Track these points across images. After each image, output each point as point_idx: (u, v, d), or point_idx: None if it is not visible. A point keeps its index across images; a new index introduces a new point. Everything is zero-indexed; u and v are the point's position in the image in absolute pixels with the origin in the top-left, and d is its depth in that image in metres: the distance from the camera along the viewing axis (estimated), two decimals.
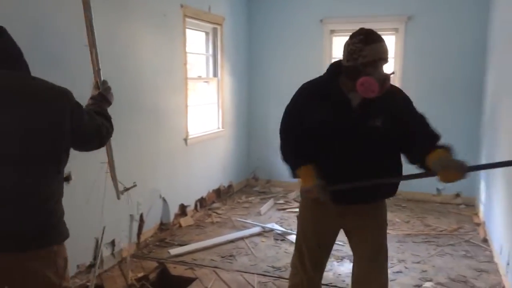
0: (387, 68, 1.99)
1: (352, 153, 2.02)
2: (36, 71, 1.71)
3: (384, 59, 1.92)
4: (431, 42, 5.16)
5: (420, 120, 2.06)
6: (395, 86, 2.14)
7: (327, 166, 2.05)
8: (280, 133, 2.22)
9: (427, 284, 3.27)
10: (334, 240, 2.27)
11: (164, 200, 4.23)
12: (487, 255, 3.79)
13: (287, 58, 5.76)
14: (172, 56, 4.26)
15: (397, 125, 2.01)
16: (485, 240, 4.07)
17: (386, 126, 2.00)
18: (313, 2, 5.58)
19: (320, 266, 2.27)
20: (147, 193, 3.95)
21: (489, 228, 4.09)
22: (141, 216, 3.87)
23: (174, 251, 3.79)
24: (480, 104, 5.00)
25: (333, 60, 5.53)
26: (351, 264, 2.32)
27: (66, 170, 2.90)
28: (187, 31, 4.48)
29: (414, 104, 2.12)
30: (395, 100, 2.06)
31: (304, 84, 2.17)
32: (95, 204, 3.30)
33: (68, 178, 2.98)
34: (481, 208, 4.68)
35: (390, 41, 5.37)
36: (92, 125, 1.76)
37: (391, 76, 1.97)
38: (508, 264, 3.15)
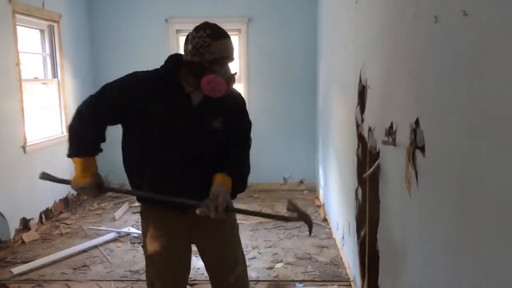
0: (232, 67, 1.87)
1: (179, 153, 1.85)
2: None
3: (231, 57, 1.81)
4: (270, 42, 5.59)
5: (242, 134, 2.00)
6: (235, 89, 2.00)
7: (141, 164, 1.88)
8: (83, 106, 1.92)
9: (278, 265, 3.56)
10: (189, 262, 2.05)
11: (1, 215, 3.81)
12: (327, 232, 4.27)
13: (134, 58, 5.62)
14: (2, 56, 3.84)
15: (230, 129, 1.92)
16: (325, 220, 4.57)
17: (225, 129, 1.89)
18: (157, 2, 5.56)
19: None
20: None
21: (328, 209, 4.61)
22: None
23: (17, 269, 3.44)
24: (315, 95, 5.58)
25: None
26: None
27: None
28: (19, 28, 4.09)
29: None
30: (235, 104, 1.98)
31: (137, 72, 1.92)
32: None
33: None
34: (321, 192, 5.24)
35: (234, 41, 5.64)
36: None
37: (235, 76, 1.87)
38: (343, 238, 3.60)
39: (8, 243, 3.89)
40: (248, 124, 2.05)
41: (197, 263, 3.55)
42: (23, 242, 4.05)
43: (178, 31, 5.62)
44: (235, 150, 1.94)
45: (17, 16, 4.04)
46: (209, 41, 1.74)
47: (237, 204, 2.20)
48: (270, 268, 3.51)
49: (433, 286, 1.45)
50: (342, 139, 3.54)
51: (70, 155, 1.93)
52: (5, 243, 3.86)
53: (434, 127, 1.43)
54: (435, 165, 1.42)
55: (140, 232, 4.14)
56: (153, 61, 5.41)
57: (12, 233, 3.96)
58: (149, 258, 1.99)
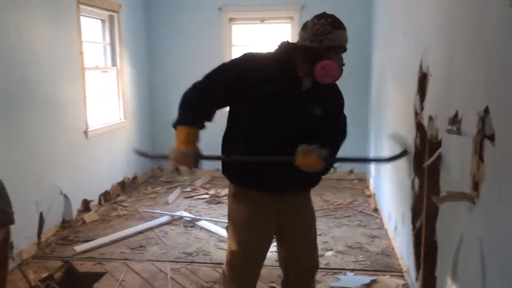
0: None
1: (284, 137, 1.92)
2: None
3: (345, 48, 1.88)
4: None
5: (341, 119, 2.09)
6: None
7: (251, 141, 1.94)
8: (200, 81, 1.99)
9: (328, 253, 3.57)
10: (269, 248, 2.13)
11: (65, 196, 4.04)
12: (377, 222, 4.22)
13: (187, 47, 5.76)
14: (67, 45, 4.04)
15: (329, 118, 1.99)
16: (376, 210, 4.52)
17: (324, 117, 1.96)
18: None
19: (256, 276, 2.16)
20: (46, 191, 3.74)
21: (379, 199, 4.55)
22: (41, 214, 3.66)
23: (79, 247, 3.65)
24: (368, 83, 5.48)
25: (232, 48, 5.74)
26: None
27: None
28: (82, 18, 4.28)
29: None
30: (337, 95, 2.06)
31: (250, 52, 2.01)
32: None
33: None
34: (371, 181, 5.17)
35: (286, 29, 5.63)
36: None
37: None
38: (395, 228, 3.55)
39: (71, 222, 4.12)
40: (345, 118, 2.14)
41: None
42: (84, 222, 4.28)
43: (231, 19, 5.67)
44: (332, 138, 2.02)
45: (81, 6, 4.22)
46: (330, 29, 1.81)
47: None
48: (321, 256, 3.52)
49: (496, 275, 1.42)
50: (397, 128, 3.48)
51: (178, 123, 1.95)
52: (68, 223, 4.09)
53: (505, 116, 1.38)
54: (505, 155, 1.38)
55: (192, 216, 4.31)
56: (207, 49, 5.63)
57: (74, 214, 4.19)
58: (234, 237, 2.07)
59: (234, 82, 1.92)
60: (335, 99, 2.07)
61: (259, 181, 1.99)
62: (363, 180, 5.65)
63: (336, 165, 5.74)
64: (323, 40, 1.81)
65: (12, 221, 1.50)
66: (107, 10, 4.80)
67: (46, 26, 3.73)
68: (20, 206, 3.39)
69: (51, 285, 3.09)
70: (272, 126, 1.93)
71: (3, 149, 3.21)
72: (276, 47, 1.99)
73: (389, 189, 3.91)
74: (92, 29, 4.81)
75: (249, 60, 1.96)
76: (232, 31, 5.70)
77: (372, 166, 5.09)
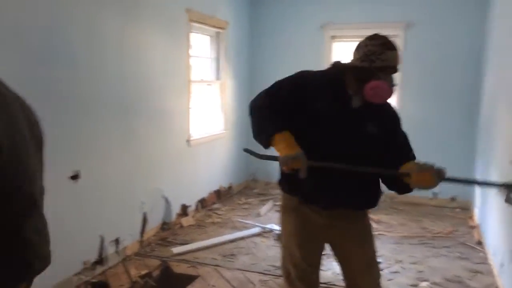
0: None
1: (337, 154, 1.90)
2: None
3: (397, 69, 1.89)
4: (428, 48, 5.28)
5: (403, 140, 2.04)
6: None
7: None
8: (262, 96, 2.02)
9: (424, 283, 3.36)
10: (321, 257, 2.15)
11: (166, 200, 4.31)
12: (481, 256, 3.89)
13: (288, 63, 5.85)
14: (177, 59, 4.35)
15: (387, 137, 1.98)
16: (479, 243, 4.17)
17: (380, 136, 1.95)
18: (314, 9, 5.69)
19: (312, 283, 2.14)
20: (150, 193, 4.04)
21: (484, 231, 4.20)
22: (145, 215, 3.95)
23: (176, 249, 3.87)
24: (476, 107, 5.12)
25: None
26: None
27: (75, 168, 3.05)
28: (192, 34, 4.58)
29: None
30: (389, 113, 2.04)
31: (306, 71, 2.07)
32: (101, 202, 3.39)
33: (76, 176, 3.06)
34: (476, 212, 4.78)
35: None
36: None
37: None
38: (502, 265, 3.25)
39: (170, 225, 4.38)
40: (406, 134, 2.07)
41: (336, 267, 3.57)
42: (181, 226, 4.53)
43: (333, 37, 5.67)
44: (402, 149, 2.00)
45: (192, 24, 4.53)
46: (381, 50, 1.83)
47: (378, 215, 2.18)
48: (415, 286, 3.35)
49: None
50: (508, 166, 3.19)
51: (270, 133, 1.90)
52: (168, 225, 4.36)
53: None
54: None
55: None
56: (307, 66, 5.59)
57: (173, 217, 4.46)
58: (285, 249, 2.13)
59: (291, 95, 1.96)
60: (390, 117, 2.04)
61: (313, 196, 1.98)
62: (467, 209, 5.25)
63: (436, 190, 5.43)
64: (374, 60, 1.83)
65: (35, 273, 1.40)
66: (215, 27, 5.08)
67: (161, 41, 4.06)
68: (127, 205, 3.72)
69: (149, 282, 3.31)
70: (323, 142, 1.93)
71: (118, 152, 3.54)
72: (329, 66, 2.03)
73: (497, 222, 3.60)
74: (200, 44, 5.12)
75: (301, 77, 2.01)
76: (332, 48, 5.70)
77: (478, 195, 4.72)
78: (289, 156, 1.83)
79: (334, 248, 2.13)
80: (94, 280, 3.26)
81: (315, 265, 2.13)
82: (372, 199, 2.05)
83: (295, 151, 1.84)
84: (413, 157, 2.01)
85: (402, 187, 1.98)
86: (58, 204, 2.71)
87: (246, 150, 2.23)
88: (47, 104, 2.77)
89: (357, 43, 1.93)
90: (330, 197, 1.96)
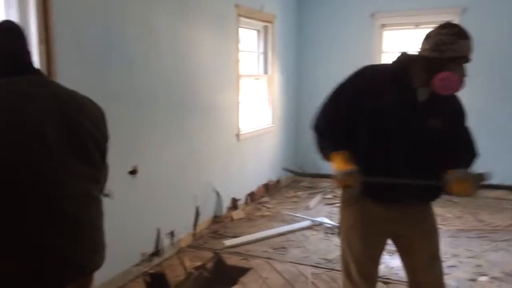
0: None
1: (401, 150, 1.89)
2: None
3: (469, 59, 1.81)
4: (486, 34, 5.03)
5: (465, 134, 1.99)
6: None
7: (368, 158, 1.91)
8: (327, 107, 2.02)
9: (482, 278, 3.25)
10: (383, 252, 2.11)
11: (217, 193, 4.39)
12: None
13: (336, 54, 5.80)
14: (226, 54, 4.41)
15: (450, 131, 1.92)
16: None
17: (444, 129, 1.90)
18: None
19: (371, 278, 2.11)
20: (202, 187, 4.13)
21: None
22: (197, 208, 4.05)
23: (228, 242, 3.94)
24: None
25: (382, 54, 5.60)
26: None
27: (134, 164, 3.17)
28: (241, 29, 4.63)
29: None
30: (454, 106, 1.97)
31: (368, 65, 2.02)
32: (157, 196, 3.51)
33: (134, 171, 3.18)
34: None
35: None
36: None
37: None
38: None
39: (221, 218, 4.46)
40: (469, 129, 2.01)
41: (390, 262, 3.52)
42: (232, 219, 4.60)
43: (382, 25, 5.55)
44: (461, 160, 1.92)
45: (241, 18, 4.57)
46: (453, 39, 1.76)
47: (433, 208, 2.13)
48: (473, 280, 3.24)
49: None
50: None
51: (328, 152, 1.96)
52: (219, 218, 4.44)
53: None
54: None
55: (332, 223, 4.32)
56: (356, 56, 5.57)
57: (224, 210, 4.54)
58: (345, 242, 2.10)
59: (353, 100, 1.92)
60: (455, 111, 1.97)
61: (376, 191, 1.94)
62: None
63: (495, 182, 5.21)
64: (445, 50, 1.76)
65: (82, 273, 1.42)
66: (263, 21, 5.10)
67: (210, 37, 4.12)
68: (181, 199, 3.83)
69: (203, 274, 3.39)
70: (388, 138, 1.90)
71: (170, 147, 3.64)
72: (394, 59, 1.97)
73: None
74: (247, 39, 5.16)
75: (366, 72, 1.97)
76: (383, 37, 5.58)
77: None
78: (342, 172, 1.84)
79: (397, 242, 2.09)
80: (151, 271, 3.38)
81: (375, 260, 2.09)
82: (436, 190, 1.99)
83: (349, 167, 1.84)
84: (474, 153, 1.96)
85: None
86: (118, 199, 2.83)
87: (286, 169, 2.26)
88: (106, 101, 2.87)
89: (428, 32, 1.85)
90: (394, 191, 1.92)
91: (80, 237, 1.36)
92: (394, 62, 1.98)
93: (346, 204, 2.12)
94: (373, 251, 2.07)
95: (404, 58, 1.95)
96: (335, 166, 1.90)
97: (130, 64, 3.15)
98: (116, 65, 3.03)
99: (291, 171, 2.16)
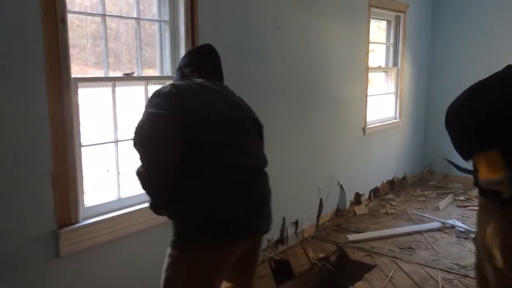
0: None
1: None
2: None
3: None
4: None
5: None
6: None
7: None
8: (461, 106, 1.93)
9: None
10: None
11: (341, 187, 4.36)
12: None
13: (475, 47, 5.32)
14: (355, 46, 4.33)
15: None
16: None
17: None
18: None
19: None
20: (325, 180, 4.12)
21: None
22: (321, 200, 4.06)
23: (351, 237, 3.90)
24: None
25: None
26: None
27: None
28: (371, 21, 4.50)
29: None
30: None
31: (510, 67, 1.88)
32: (284, 186, 3.59)
33: None
34: None
35: None
36: None
37: None
38: None
39: (343, 212, 4.43)
40: None
41: None
42: (354, 213, 4.53)
43: None
44: None
45: (372, 9, 4.44)
46: None
47: None
48: None
49: None
50: None
51: (472, 152, 1.89)
52: (341, 212, 4.41)
53: None
54: None
55: (466, 227, 4.02)
56: (498, 50, 5.07)
57: (347, 204, 4.48)
58: (484, 250, 1.96)
59: (495, 104, 1.82)
60: None
61: None
62: None
63: None
64: None
65: (245, 234, 1.82)
66: (395, 11, 4.89)
67: (340, 29, 4.07)
68: (305, 190, 3.88)
69: (327, 266, 3.41)
70: None
71: (296, 138, 3.70)
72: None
73: None
74: (376, 30, 5.00)
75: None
76: None
77: None
78: (492, 181, 1.79)
79: None
80: (276, 258, 3.49)
81: None
82: None
83: (498, 175, 1.75)
84: None
85: None
86: None
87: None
88: (243, 94, 3.04)
89: None
90: None
91: (265, 203, 1.97)
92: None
93: (485, 210, 1.98)
94: None
95: None
96: (480, 169, 1.83)
97: (264, 59, 3.26)
98: (251, 59, 3.16)
99: (453, 164, 2.09)
